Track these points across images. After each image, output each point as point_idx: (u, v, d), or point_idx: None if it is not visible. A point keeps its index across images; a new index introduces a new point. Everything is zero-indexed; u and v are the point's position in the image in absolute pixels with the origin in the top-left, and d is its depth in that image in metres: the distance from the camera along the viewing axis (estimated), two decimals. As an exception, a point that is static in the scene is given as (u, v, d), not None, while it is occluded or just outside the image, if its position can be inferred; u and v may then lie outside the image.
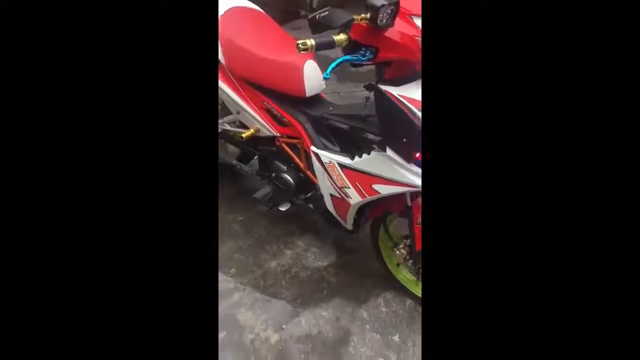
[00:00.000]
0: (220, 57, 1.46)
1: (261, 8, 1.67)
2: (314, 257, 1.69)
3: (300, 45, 0.96)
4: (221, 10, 1.47)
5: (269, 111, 1.49)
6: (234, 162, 1.72)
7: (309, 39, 0.97)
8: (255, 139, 1.59)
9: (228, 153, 1.80)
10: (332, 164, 1.30)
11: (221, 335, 1.40)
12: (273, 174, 1.59)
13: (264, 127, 1.51)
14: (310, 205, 1.60)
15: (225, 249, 1.70)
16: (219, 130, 1.71)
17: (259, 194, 1.58)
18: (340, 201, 1.35)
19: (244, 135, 1.53)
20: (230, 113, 1.63)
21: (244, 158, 1.87)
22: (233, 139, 1.76)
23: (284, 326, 1.44)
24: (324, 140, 1.36)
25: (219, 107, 1.73)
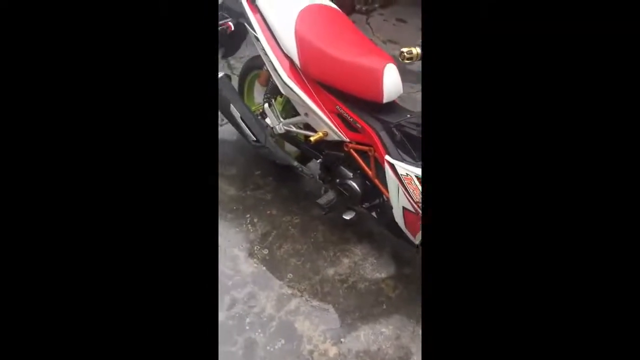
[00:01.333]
0: (294, 55, 1.40)
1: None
2: (372, 267, 1.63)
3: (406, 54, 0.89)
4: (299, 6, 1.41)
5: (340, 115, 1.42)
6: (295, 163, 1.67)
7: (414, 46, 0.90)
8: (319, 142, 1.54)
9: (286, 152, 1.75)
10: (409, 176, 1.22)
11: (279, 344, 1.36)
12: (337, 180, 1.53)
13: (334, 131, 1.45)
14: (374, 214, 1.53)
15: (282, 252, 1.66)
16: (282, 131, 1.66)
17: (322, 200, 1.53)
18: (414, 216, 1.28)
19: (312, 139, 1.47)
20: (296, 113, 1.58)
21: (303, 159, 1.82)
22: (294, 139, 1.71)
23: (342, 340, 1.39)
24: (400, 151, 1.29)
25: (280, 107, 1.68)
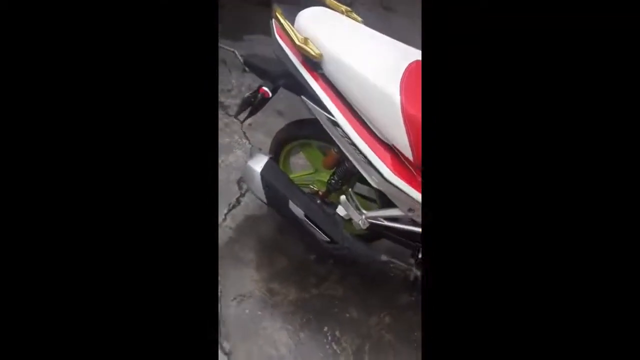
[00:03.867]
0: (402, 144, 0.98)
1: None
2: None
3: None
4: (398, 69, 0.97)
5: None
6: (384, 257, 1.28)
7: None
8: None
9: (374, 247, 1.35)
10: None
11: None
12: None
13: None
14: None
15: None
16: (366, 226, 1.25)
17: None
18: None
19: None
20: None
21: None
22: (383, 234, 1.32)
23: None
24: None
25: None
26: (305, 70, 1.06)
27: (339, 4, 1.18)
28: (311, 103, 1.09)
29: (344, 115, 1.04)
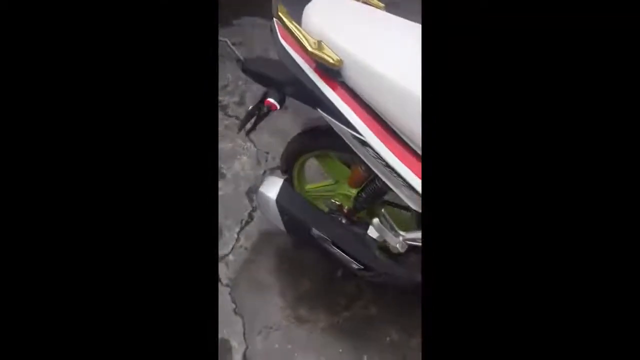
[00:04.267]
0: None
1: None
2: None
3: None
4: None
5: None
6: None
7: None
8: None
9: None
10: None
11: None
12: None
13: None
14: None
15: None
16: (404, 249, 1.08)
17: None
18: None
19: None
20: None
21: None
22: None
23: None
24: None
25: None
26: (321, 80, 0.86)
27: None
28: (331, 118, 0.89)
29: (373, 131, 0.84)
